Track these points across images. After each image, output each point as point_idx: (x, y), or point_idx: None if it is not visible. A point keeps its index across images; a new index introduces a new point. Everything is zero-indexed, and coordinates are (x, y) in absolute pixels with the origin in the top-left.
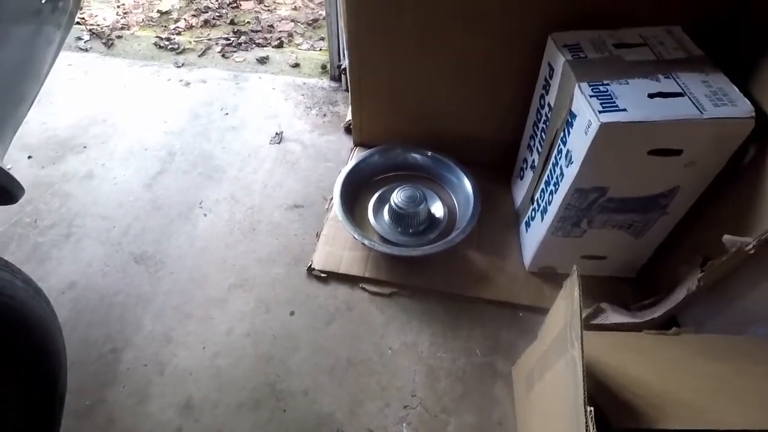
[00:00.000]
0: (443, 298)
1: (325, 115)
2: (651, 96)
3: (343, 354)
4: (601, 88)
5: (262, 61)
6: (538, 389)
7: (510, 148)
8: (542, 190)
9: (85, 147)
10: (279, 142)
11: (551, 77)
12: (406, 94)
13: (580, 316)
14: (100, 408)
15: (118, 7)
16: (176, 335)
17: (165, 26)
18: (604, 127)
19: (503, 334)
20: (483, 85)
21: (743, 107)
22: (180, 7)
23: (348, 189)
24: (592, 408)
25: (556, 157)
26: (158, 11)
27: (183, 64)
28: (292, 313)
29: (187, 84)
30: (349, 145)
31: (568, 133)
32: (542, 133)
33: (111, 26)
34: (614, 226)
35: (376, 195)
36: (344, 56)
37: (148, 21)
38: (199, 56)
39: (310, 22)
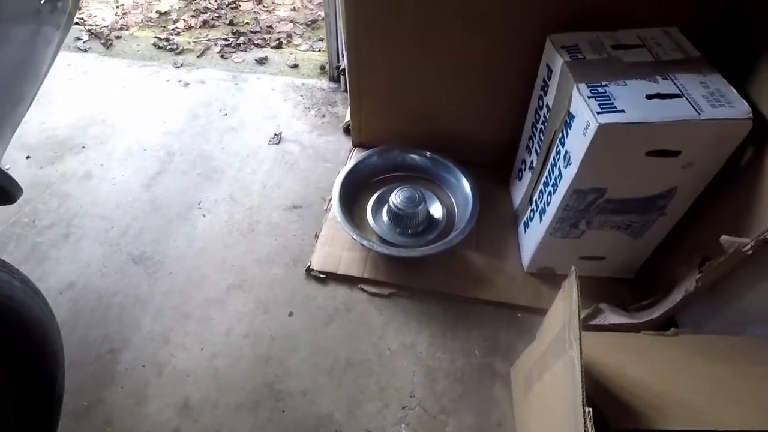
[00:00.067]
0: (442, 299)
1: (324, 115)
2: (649, 97)
3: (341, 355)
4: (600, 89)
5: (261, 61)
6: (536, 390)
7: (509, 149)
8: (541, 191)
9: (83, 147)
10: (278, 143)
11: (549, 78)
12: (405, 95)
13: (579, 316)
14: (98, 408)
15: (117, 7)
16: (175, 336)
17: (164, 27)
18: (602, 128)
19: (502, 334)
20: (482, 85)
21: (741, 108)
22: (179, 8)
23: (347, 190)
24: (590, 409)
25: (554, 158)
26: (157, 12)
27: (182, 65)
28: (290, 314)
29: (186, 84)
30: (348, 145)
31: (567, 134)
32: (541, 134)
33: (110, 26)
34: (612, 227)
35: (374, 196)
36: (343, 57)
37: (147, 21)
38: (198, 57)
39: (309, 22)
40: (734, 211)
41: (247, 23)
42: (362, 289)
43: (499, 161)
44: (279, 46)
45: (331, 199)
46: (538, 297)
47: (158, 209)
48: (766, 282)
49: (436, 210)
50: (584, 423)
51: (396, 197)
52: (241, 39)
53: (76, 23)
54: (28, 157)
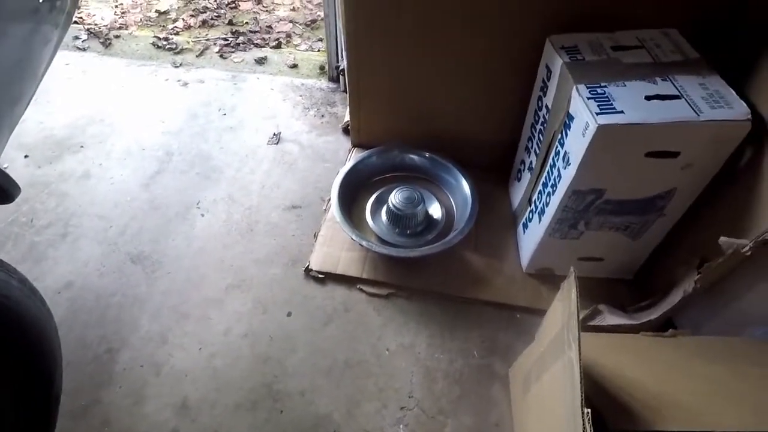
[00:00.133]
0: (441, 300)
1: (323, 115)
2: (648, 98)
3: (340, 355)
4: (599, 90)
5: (261, 61)
6: (535, 391)
7: (508, 150)
8: (540, 192)
9: (82, 146)
10: (277, 143)
11: (549, 79)
12: (404, 96)
13: (578, 317)
14: (95, 408)
15: (116, 6)
16: (173, 336)
17: (163, 26)
18: (601, 128)
19: (500, 335)
20: (481, 86)
21: (739, 110)
22: (178, 7)
23: (346, 190)
24: (589, 410)
25: (553, 159)
26: (156, 11)
27: (181, 64)
28: (289, 314)
29: (185, 84)
30: (347, 145)
31: (566, 134)
32: (540, 135)
33: (109, 26)
34: (611, 228)
35: (374, 196)
36: (342, 57)
37: (146, 21)
38: (197, 56)
39: (309, 23)
40: (733, 212)
41: (247, 23)
42: (361, 290)
43: (498, 162)
44: (278, 46)
45: (330, 199)
46: (537, 298)
47: (157, 209)
48: (764, 283)
49: (435, 210)
50: (583, 424)
51: (395, 197)
52: (241, 39)
53: (75, 22)
54: (26, 157)
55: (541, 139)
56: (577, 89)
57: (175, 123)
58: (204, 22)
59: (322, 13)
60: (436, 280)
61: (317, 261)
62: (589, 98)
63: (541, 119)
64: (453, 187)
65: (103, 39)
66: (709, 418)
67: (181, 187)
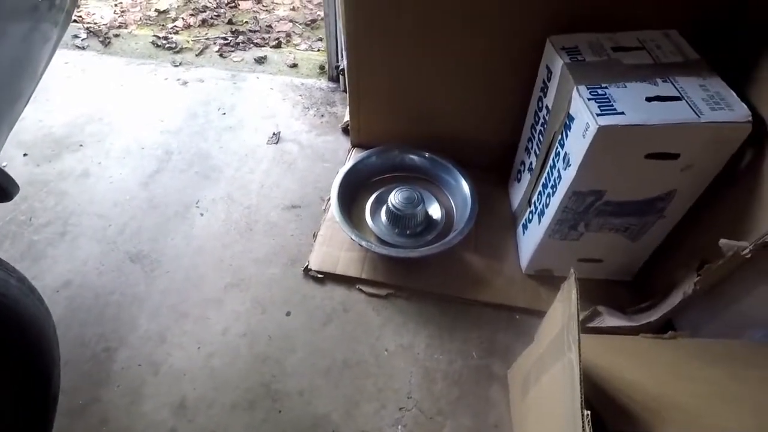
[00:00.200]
0: (440, 300)
1: (322, 115)
2: (649, 99)
3: (339, 355)
4: (600, 91)
5: (260, 61)
6: (534, 392)
7: (508, 150)
8: (539, 193)
9: (81, 145)
10: (276, 142)
11: (549, 80)
12: (404, 96)
13: (578, 319)
14: (93, 407)
15: (116, 5)
16: (171, 335)
17: (162, 25)
18: (602, 130)
19: (500, 336)
20: (481, 86)
21: (740, 111)
22: (178, 6)
23: (345, 190)
24: (589, 412)
25: (553, 160)
26: (156, 10)
27: (180, 64)
28: (288, 314)
29: (185, 83)
30: (347, 145)
31: (566, 135)
32: (540, 136)
33: (108, 24)
34: (611, 230)
35: (373, 196)
36: (342, 57)
37: (146, 20)
38: (196, 55)
39: (309, 22)
40: (733, 214)
41: (246, 22)
42: (360, 290)
43: (498, 162)
44: (278, 46)
45: (329, 199)
46: (537, 299)
47: (156, 208)
48: (764, 286)
49: (435, 211)
50: (583, 426)
51: (395, 198)
52: (240, 38)
53: (75, 21)
54: (25, 155)
55: (541, 139)
56: (577, 90)
57: (175, 122)
58: (204, 22)
59: (322, 13)
60: (435, 281)
61: (316, 261)
62: (589, 99)
63: (542, 120)
64: (453, 188)
65: (103, 38)
66: (709, 421)
67: (181, 186)
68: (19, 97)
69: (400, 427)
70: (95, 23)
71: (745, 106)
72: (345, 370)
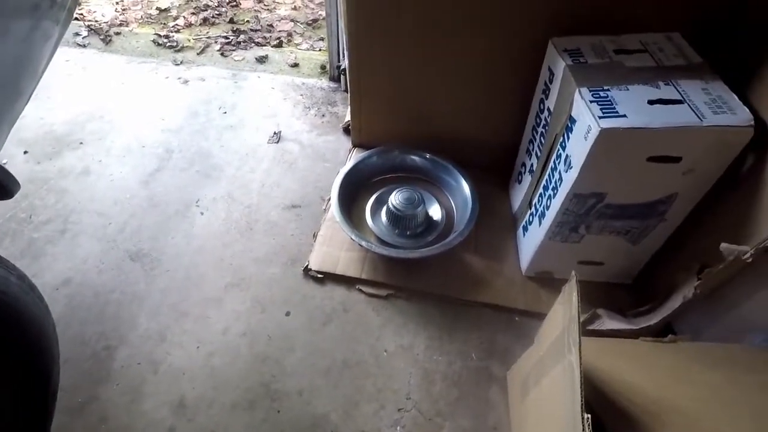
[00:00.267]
0: (440, 301)
1: (323, 115)
2: (651, 102)
3: (338, 355)
4: (602, 94)
5: (261, 60)
6: (534, 395)
7: (509, 152)
8: (540, 195)
9: (81, 143)
10: (277, 142)
11: (551, 82)
12: (405, 96)
13: (579, 322)
14: (93, 405)
15: (117, 3)
16: (171, 334)
17: (164, 24)
18: (604, 132)
19: (499, 338)
20: (483, 87)
21: (742, 115)
22: (179, 5)
23: (346, 190)
24: (589, 415)
25: (554, 162)
26: (157, 8)
27: (181, 62)
28: (288, 314)
29: (186, 82)
30: (348, 145)
31: (568, 137)
32: (541, 138)
33: (109, 22)
34: (612, 232)
35: (374, 196)
36: (344, 57)
37: (147, 18)
38: (197, 54)
39: (310, 22)
40: (734, 218)
41: (248, 21)
42: (360, 290)
43: (499, 164)
44: (279, 45)
45: (329, 199)
46: (536, 301)
47: (156, 206)
48: (765, 290)
49: (435, 212)
50: (583, 429)
51: (395, 198)
52: (242, 37)
53: (76, 19)
54: (25, 152)
55: (543, 141)
56: (579, 92)
57: (176, 121)
58: (205, 20)
59: (323, 13)
60: (435, 282)
61: (316, 261)
62: (591, 101)
63: (543, 122)
64: (453, 189)
65: (104, 36)
66: (708, 425)
67: (181, 184)
68: (20, 95)
69: (399, 428)
70: (96, 21)
71: (748, 110)
72: (344, 371)
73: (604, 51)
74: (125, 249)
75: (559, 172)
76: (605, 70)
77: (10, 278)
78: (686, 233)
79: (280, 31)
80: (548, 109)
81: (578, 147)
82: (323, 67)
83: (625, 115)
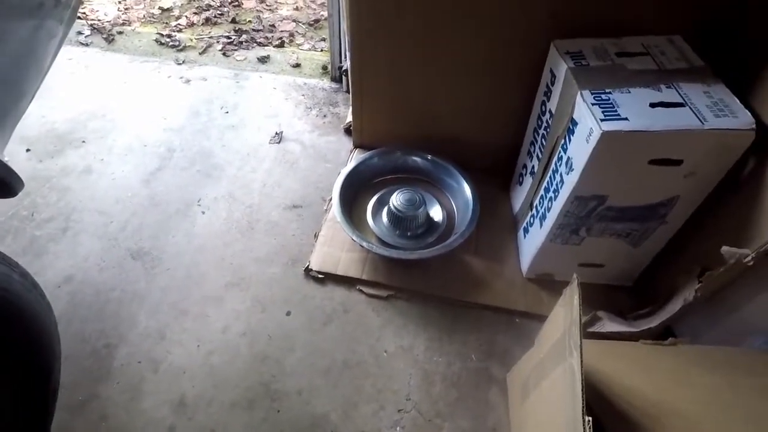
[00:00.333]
0: (440, 302)
1: (325, 115)
2: (653, 105)
3: (338, 355)
4: (603, 97)
5: (263, 60)
6: (534, 397)
7: (510, 154)
8: (541, 197)
9: (83, 141)
10: (279, 142)
11: (553, 84)
12: (407, 97)
13: (580, 324)
14: (93, 403)
15: (120, 2)
16: (171, 332)
17: (166, 23)
18: (605, 135)
19: (499, 339)
20: (484, 89)
21: (744, 119)
22: (181, 5)
23: (347, 190)
24: (590, 418)
25: (556, 164)
26: (159, 8)
27: (184, 62)
28: (288, 314)
29: (188, 81)
30: (349, 146)
31: (569, 140)
32: (543, 140)
33: (112, 21)
34: (613, 235)
35: (375, 197)
36: (345, 57)
37: (150, 17)
38: (200, 54)
39: (312, 22)
40: (735, 221)
41: (250, 21)
42: (360, 291)
43: (500, 165)
44: (281, 45)
45: (331, 200)
46: (537, 303)
47: (157, 205)
48: (766, 293)
49: (436, 213)
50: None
51: (396, 199)
52: (244, 37)
53: (78, 17)
54: (28, 150)
55: (544, 143)
56: (581, 95)
57: (177, 120)
58: (207, 20)
59: (325, 13)
60: (435, 283)
61: (317, 261)
62: (593, 104)
63: (544, 124)
64: (454, 190)
65: (107, 34)
66: (708, 428)
67: (182, 184)
68: (25, 94)
69: (398, 428)
70: (99, 20)
71: (749, 114)
72: (344, 371)
73: (605, 53)
74: (126, 247)
75: (561, 175)
76: (607, 72)
77: (13, 276)
78: (687, 236)
79: (282, 31)
80: (550, 112)
81: (580, 149)
82: (325, 68)
83: (626, 118)
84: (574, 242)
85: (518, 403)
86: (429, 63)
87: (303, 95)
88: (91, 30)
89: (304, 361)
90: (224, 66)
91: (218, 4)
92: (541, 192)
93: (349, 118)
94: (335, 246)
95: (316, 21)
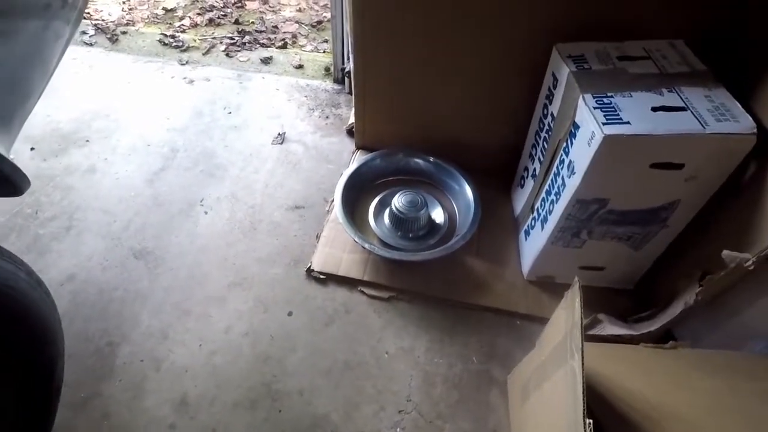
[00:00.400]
0: (441, 304)
1: (327, 117)
2: (654, 109)
3: (340, 356)
4: (605, 100)
5: (266, 61)
6: (534, 399)
7: (511, 156)
8: (543, 200)
9: (87, 141)
10: (281, 143)
11: (555, 87)
12: (409, 99)
13: (581, 327)
14: (95, 401)
15: (124, 3)
16: (174, 332)
17: (170, 23)
18: (607, 139)
19: (500, 341)
20: (487, 91)
21: (745, 123)
22: (185, 5)
23: (349, 192)
24: (591, 420)
25: (558, 167)
26: (163, 8)
27: (187, 62)
28: (290, 314)
29: (191, 82)
30: (351, 147)
31: (571, 143)
32: (544, 143)
33: (116, 22)
34: (614, 238)
35: (377, 199)
36: (348, 59)
37: (153, 18)
38: (203, 54)
39: (315, 24)
40: (737, 225)
41: (253, 23)
42: (362, 292)
43: (502, 168)
44: (284, 47)
45: (333, 201)
46: (538, 305)
47: (160, 205)
48: (766, 297)
49: (438, 215)
50: None
51: (398, 201)
52: (247, 38)
53: (83, 17)
54: (32, 149)
55: (546, 146)
56: (583, 98)
57: (181, 120)
58: (210, 21)
59: (328, 15)
60: (437, 285)
61: (319, 262)
62: (595, 108)
63: (546, 127)
64: (456, 192)
65: (111, 35)
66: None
67: (185, 184)
68: (32, 94)
69: (399, 429)
70: (103, 20)
71: (750, 118)
72: (345, 372)
73: (607, 57)
74: (129, 247)
75: (562, 178)
76: (609, 76)
77: (19, 274)
78: (688, 240)
79: (284, 32)
80: (552, 115)
81: (581, 153)
82: (327, 69)
83: (628, 122)
84: (575, 245)
85: (518, 405)
86: (431, 65)
87: (306, 96)
88: (95, 30)
89: (306, 362)
90: (227, 67)
91: (221, 5)
92: (543, 195)
93: (352, 120)
94: (337, 247)
95: (319, 22)
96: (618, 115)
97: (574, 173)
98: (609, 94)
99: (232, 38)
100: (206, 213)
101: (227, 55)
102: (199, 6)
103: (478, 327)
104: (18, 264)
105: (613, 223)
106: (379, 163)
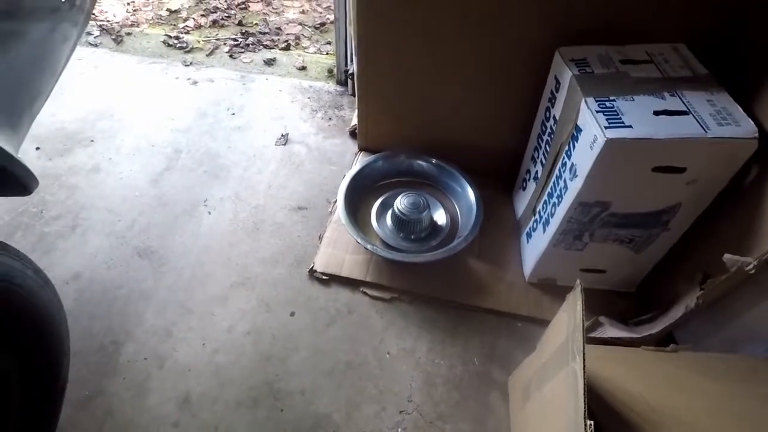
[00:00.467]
0: (443, 306)
1: (330, 118)
2: (656, 113)
3: (341, 356)
4: (608, 104)
5: (269, 62)
6: (535, 401)
7: (513, 159)
8: (545, 202)
9: (92, 141)
10: (284, 144)
11: (557, 91)
12: (412, 101)
13: (583, 329)
14: (99, 399)
15: (128, 4)
16: (177, 330)
17: (174, 25)
18: (609, 142)
19: (501, 343)
20: (489, 94)
21: (747, 128)
22: (189, 7)
23: (352, 193)
24: (592, 422)
25: (560, 170)
26: (167, 10)
27: (191, 63)
28: (292, 314)
29: (195, 83)
30: (354, 149)
31: (573, 146)
32: (546, 146)
33: (121, 23)
34: (615, 241)
35: (379, 200)
36: (351, 61)
37: (158, 19)
38: (207, 56)
39: (318, 25)
40: (738, 229)
41: (256, 24)
42: (364, 293)
43: (504, 170)
44: (287, 48)
45: (335, 202)
46: (539, 307)
47: (164, 205)
48: (767, 301)
49: (440, 217)
50: None
51: (401, 202)
52: (250, 39)
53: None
54: (37, 149)
55: (548, 149)
56: (585, 102)
57: (185, 121)
58: (214, 22)
59: (331, 17)
60: (438, 286)
61: (322, 262)
62: (597, 111)
63: (549, 130)
64: (458, 195)
65: (115, 36)
66: None
67: (189, 184)
68: (39, 95)
69: (399, 429)
70: (108, 21)
71: (752, 122)
72: (347, 372)
73: (610, 61)
74: (134, 246)
75: (564, 181)
76: (611, 80)
77: (27, 272)
78: (689, 243)
79: (288, 34)
80: (554, 118)
81: (584, 156)
82: (330, 71)
83: (630, 126)
84: (576, 248)
85: (519, 406)
86: (434, 67)
87: (309, 98)
88: (100, 31)
89: (308, 362)
90: (231, 68)
91: (225, 7)
92: (545, 197)
93: (355, 121)
94: (339, 248)
95: (322, 24)
96: (620, 118)
97: (576, 176)
98: (611, 98)
99: (235, 40)
100: (210, 213)
101: (231, 56)
102: (203, 7)
103: (479, 328)
104: (25, 262)
105: (614, 226)
106: (382, 164)
